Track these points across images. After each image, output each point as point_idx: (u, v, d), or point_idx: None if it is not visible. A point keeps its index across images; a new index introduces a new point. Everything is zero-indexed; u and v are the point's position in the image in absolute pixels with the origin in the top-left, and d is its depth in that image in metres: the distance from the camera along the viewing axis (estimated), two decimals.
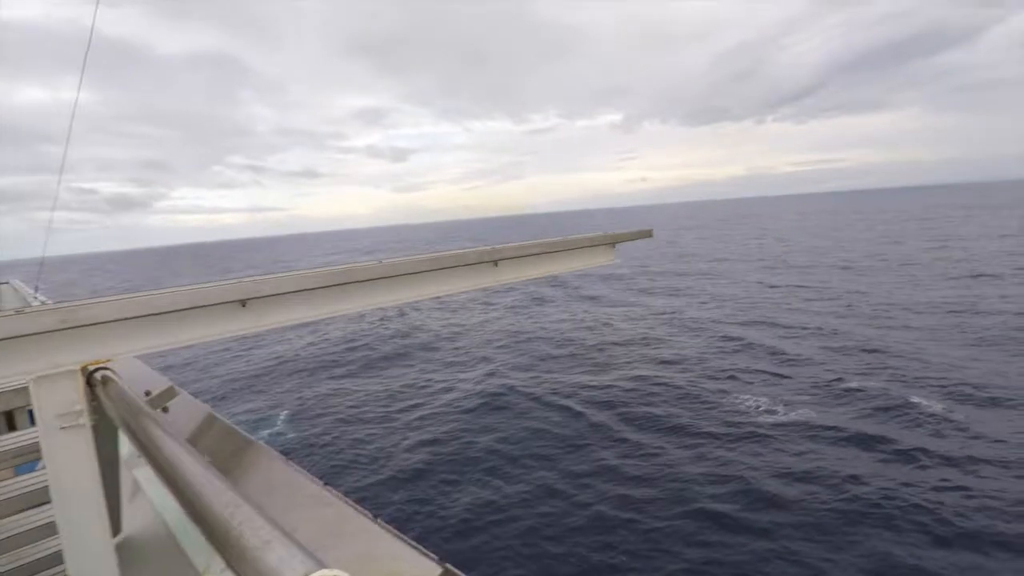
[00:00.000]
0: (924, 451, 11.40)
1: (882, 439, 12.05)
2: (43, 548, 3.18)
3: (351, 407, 17.35)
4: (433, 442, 13.89)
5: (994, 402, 13.64)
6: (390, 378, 20.51)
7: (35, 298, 10.58)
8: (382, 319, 32.78)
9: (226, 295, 2.13)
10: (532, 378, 18.53)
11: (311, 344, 27.67)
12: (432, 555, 2.31)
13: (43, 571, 3.10)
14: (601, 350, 21.70)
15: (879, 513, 9.44)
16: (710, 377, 17.28)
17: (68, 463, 1.89)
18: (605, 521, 9.87)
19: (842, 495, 10.05)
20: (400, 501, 11.26)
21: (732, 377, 17.07)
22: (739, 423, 13.50)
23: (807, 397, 14.91)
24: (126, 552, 2.76)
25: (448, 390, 18.14)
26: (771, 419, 13.62)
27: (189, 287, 2.11)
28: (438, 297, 3.44)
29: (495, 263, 3.78)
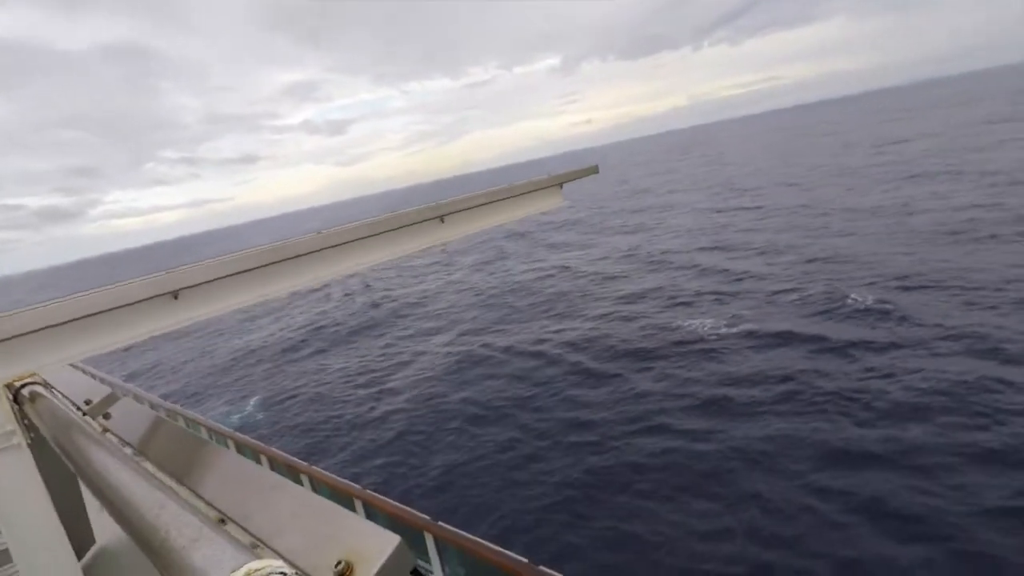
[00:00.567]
0: (853, 343, 12.44)
1: (818, 338, 13.09)
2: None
3: (324, 384, 17.41)
4: (408, 405, 14.13)
5: (919, 290, 14.85)
6: (363, 350, 20.51)
7: None
8: (347, 294, 32.36)
9: (155, 288, 1.98)
10: (500, 331, 18.89)
11: (280, 329, 27.22)
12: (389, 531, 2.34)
13: None
14: (563, 295, 22.22)
15: (813, 405, 10.34)
16: (666, 306, 18.13)
17: (8, 487, 1.79)
18: (575, 451, 10.43)
19: (778, 393, 11.00)
20: (381, 465, 11.55)
21: (684, 304, 17.96)
22: (690, 341, 14.49)
23: (750, 311, 15.90)
24: (99, 568, 2.68)
25: (420, 354, 18.30)
26: (718, 333, 14.65)
27: (113, 285, 1.96)
28: (386, 262, 3.35)
29: (441, 219, 3.69)
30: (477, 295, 25.61)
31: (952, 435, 8.66)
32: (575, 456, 10.22)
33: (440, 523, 4.20)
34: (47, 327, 1.76)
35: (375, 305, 27.97)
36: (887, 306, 13.99)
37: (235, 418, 16.04)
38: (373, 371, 17.69)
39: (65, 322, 1.76)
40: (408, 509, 4.50)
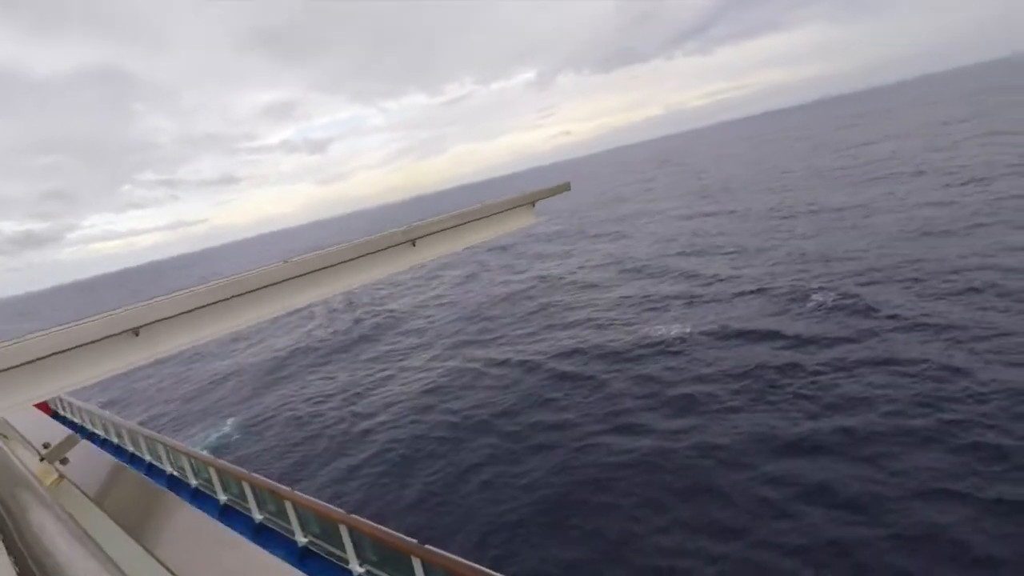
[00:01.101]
0: (808, 339, 13.16)
1: (776, 335, 13.80)
2: None
3: (306, 401, 17.39)
4: (391, 419, 14.17)
5: (875, 283, 15.69)
6: (345, 367, 20.45)
7: None
8: (330, 312, 32.16)
9: (114, 326, 1.96)
10: (482, 343, 19.13)
11: (255, 354, 26.81)
12: None
13: None
14: (542, 305, 22.59)
15: (768, 399, 10.96)
16: (637, 309, 18.90)
17: None
18: (551, 453, 10.76)
19: (737, 388, 11.65)
20: (365, 480, 11.63)
21: (651, 309, 18.66)
22: (656, 343, 15.22)
23: (714, 313, 16.67)
24: None
25: (404, 369, 18.29)
26: (683, 333, 15.42)
27: (70, 324, 1.93)
28: (358, 288, 3.35)
29: (412, 243, 3.72)
30: (460, 308, 25.75)
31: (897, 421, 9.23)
32: (554, 458, 10.55)
33: (427, 546, 4.16)
34: (3, 370, 1.72)
35: (358, 321, 27.92)
36: (844, 301, 14.80)
37: (213, 438, 15.98)
38: (356, 387, 17.71)
39: (14, 366, 1.72)
40: (394, 533, 4.44)
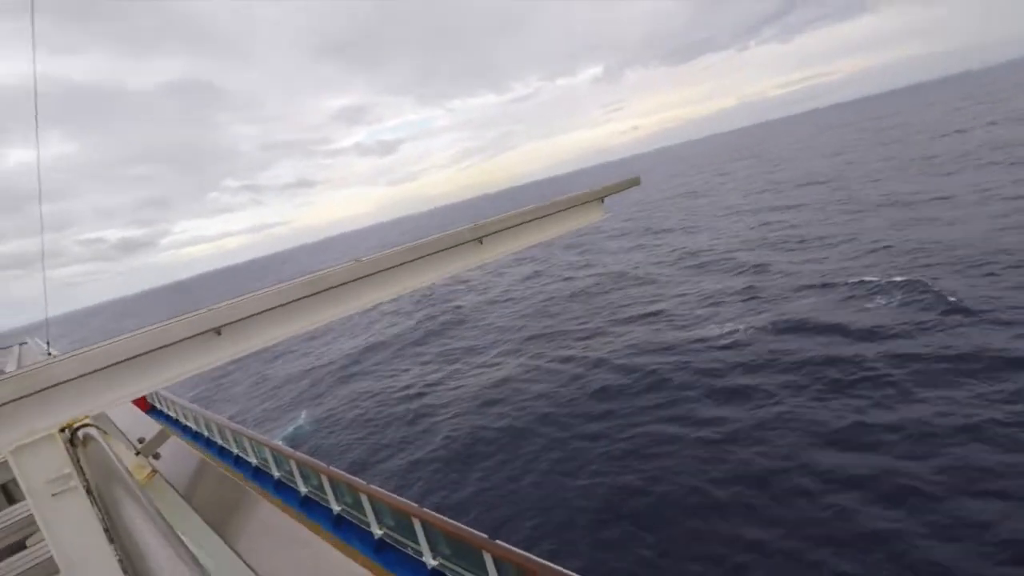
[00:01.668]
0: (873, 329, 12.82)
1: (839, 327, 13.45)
2: None
3: (376, 396, 17.90)
4: (459, 414, 14.33)
5: (958, 273, 14.81)
6: (413, 365, 20.96)
7: (48, 354, 10.71)
8: (400, 309, 33.19)
9: (196, 327, 2.03)
10: (548, 339, 19.10)
11: (329, 352, 28.15)
12: None
13: None
14: (609, 302, 22.11)
15: (834, 392, 10.68)
16: (700, 304, 18.61)
17: (68, 530, 1.78)
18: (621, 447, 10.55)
19: (800, 378, 11.55)
20: (429, 469, 11.87)
21: (715, 303, 18.30)
22: (715, 336, 15.10)
23: (777, 303, 16.47)
24: None
25: (470, 365, 18.52)
26: (747, 325, 15.24)
27: (156, 326, 2.01)
28: (425, 287, 3.34)
29: (480, 241, 3.64)
30: (526, 304, 25.81)
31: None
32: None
33: (497, 541, 4.11)
34: (91, 372, 1.82)
35: (426, 318, 28.60)
36: (915, 296, 14.08)
37: (290, 430, 16.81)
38: (423, 382, 18.13)
39: (107, 366, 1.81)
40: (466, 528, 4.43)
